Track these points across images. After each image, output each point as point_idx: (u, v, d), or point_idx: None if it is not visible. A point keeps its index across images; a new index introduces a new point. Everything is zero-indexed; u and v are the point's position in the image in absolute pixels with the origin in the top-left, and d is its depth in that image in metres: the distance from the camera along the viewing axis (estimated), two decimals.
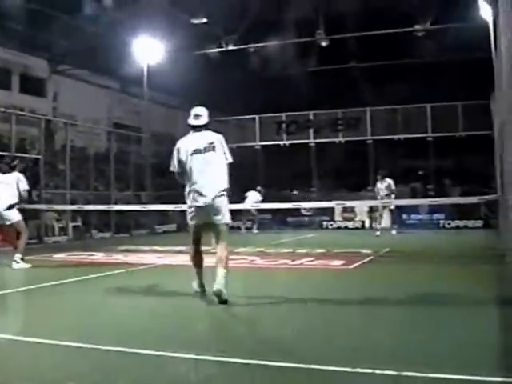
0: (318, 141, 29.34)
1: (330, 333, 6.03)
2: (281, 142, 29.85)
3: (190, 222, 7.78)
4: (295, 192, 28.18)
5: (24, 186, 12.60)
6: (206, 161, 7.64)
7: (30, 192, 13.35)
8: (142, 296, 8.38)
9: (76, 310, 7.46)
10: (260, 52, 26.81)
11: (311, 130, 29.79)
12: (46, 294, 8.77)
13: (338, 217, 26.83)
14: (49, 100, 25.77)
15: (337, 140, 29.29)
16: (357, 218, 26.36)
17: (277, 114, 29.96)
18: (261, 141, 29.95)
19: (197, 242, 7.90)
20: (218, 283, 7.28)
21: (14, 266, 11.83)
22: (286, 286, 9.34)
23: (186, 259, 13.41)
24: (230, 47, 26.26)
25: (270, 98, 28.47)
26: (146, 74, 25.48)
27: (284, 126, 30.24)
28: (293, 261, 12.74)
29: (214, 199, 7.61)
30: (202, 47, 26.49)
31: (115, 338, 5.74)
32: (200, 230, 7.86)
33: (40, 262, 13.46)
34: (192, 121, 7.86)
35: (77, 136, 24.48)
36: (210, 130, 7.91)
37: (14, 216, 12.33)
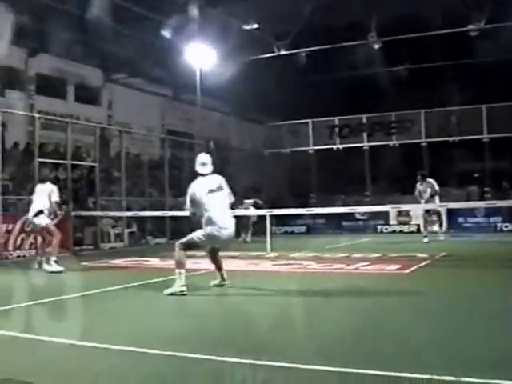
0: (371, 144, 29.11)
1: (378, 337, 5.95)
2: (334, 146, 29.70)
3: (206, 243, 9.23)
4: (349, 196, 27.94)
5: (55, 197, 13.03)
6: (219, 199, 9.21)
7: (60, 205, 13.71)
8: (198, 301, 8.41)
9: (133, 314, 7.53)
10: (312, 56, 26.73)
11: (364, 134, 29.56)
12: (103, 299, 8.88)
13: (392, 220, 26.56)
14: (104, 108, 26.11)
15: (391, 143, 29.01)
16: (412, 222, 26.00)
17: (330, 118, 29.84)
18: (314, 145, 29.79)
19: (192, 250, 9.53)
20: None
21: (47, 267, 12.33)
22: (341, 290, 9.27)
23: (241, 264, 13.49)
24: (282, 52, 26.25)
25: (322, 102, 28.34)
26: (198, 80, 25.62)
27: (337, 129, 30.10)
28: (348, 265, 12.65)
29: (232, 232, 9.30)
30: (253, 53, 26.53)
31: (173, 342, 5.76)
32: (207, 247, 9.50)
33: (97, 268, 13.66)
34: (201, 169, 9.46)
35: (131, 143, 24.72)
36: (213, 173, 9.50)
37: (42, 221, 12.80)
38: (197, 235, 9.14)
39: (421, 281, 10.41)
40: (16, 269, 12.84)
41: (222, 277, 9.60)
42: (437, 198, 19.74)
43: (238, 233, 22.86)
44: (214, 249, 9.52)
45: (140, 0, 22.50)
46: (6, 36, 19.15)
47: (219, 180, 9.43)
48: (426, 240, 19.47)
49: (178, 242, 9.28)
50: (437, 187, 19.89)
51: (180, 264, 8.94)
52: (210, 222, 9.03)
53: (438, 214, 20.28)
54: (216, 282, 9.61)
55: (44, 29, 21.66)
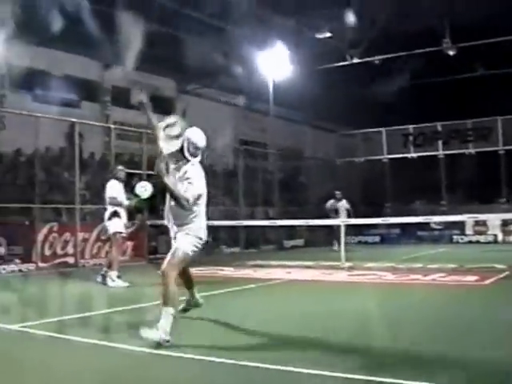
0: (447, 152, 28.63)
1: (462, 352, 5.78)
2: (408, 155, 29.33)
3: (192, 252, 7.03)
4: (424, 205, 27.49)
5: (109, 193, 12.05)
6: None
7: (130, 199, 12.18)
8: (273, 311, 8.36)
9: (206, 324, 7.54)
10: (385, 63, 26.48)
11: (440, 142, 29.11)
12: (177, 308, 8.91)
13: (469, 230, 26.01)
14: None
15: (467, 151, 28.46)
16: (489, 232, 25.46)
17: (404, 127, 29.48)
18: (388, 154, 29.50)
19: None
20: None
21: (110, 283, 11.62)
22: (419, 302, 9.10)
23: (315, 274, 13.41)
24: (355, 60, 26.07)
25: (396, 110, 28.05)
26: (271, 89, 25.69)
27: (411, 138, 29.71)
28: (425, 276, 12.44)
29: None
30: (326, 61, 26.44)
31: (247, 352, 5.77)
32: None
33: None
34: (193, 157, 7.35)
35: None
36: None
37: (112, 227, 12.04)
38: (189, 247, 7.03)
39: (501, 293, 10.11)
40: (93, 277, 13.01)
41: (194, 295, 7.95)
42: None
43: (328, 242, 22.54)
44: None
45: (213, 11, 22.71)
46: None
47: None
48: None
49: (168, 266, 6.72)
50: None
51: (173, 299, 6.72)
52: (201, 223, 7.47)
53: None
54: (183, 305, 7.82)
55: (118, 41, 22.08)
